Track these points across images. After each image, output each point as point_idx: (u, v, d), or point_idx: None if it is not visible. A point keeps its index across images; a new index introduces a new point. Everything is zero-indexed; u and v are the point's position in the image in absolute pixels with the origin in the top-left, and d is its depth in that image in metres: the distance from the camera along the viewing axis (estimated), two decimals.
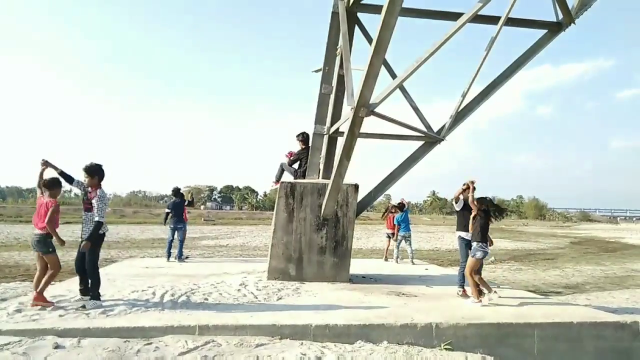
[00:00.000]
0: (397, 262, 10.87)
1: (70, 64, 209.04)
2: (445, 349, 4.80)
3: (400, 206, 11.30)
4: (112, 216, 49.42)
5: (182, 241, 10.39)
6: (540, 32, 7.88)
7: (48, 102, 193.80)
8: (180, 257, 10.21)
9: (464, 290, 6.52)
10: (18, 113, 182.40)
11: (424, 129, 8.03)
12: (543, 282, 12.05)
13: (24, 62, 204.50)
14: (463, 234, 6.69)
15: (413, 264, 10.73)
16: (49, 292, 5.65)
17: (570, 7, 7.38)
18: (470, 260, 6.22)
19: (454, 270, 11.29)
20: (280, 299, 6.14)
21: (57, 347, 4.10)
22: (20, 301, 5.56)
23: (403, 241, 10.90)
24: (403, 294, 6.74)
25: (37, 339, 4.25)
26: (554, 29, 7.72)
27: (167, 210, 10.57)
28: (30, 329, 4.45)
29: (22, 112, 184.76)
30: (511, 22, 7.62)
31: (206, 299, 5.95)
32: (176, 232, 10.30)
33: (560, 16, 7.58)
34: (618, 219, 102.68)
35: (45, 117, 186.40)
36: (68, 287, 6.44)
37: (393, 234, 11.29)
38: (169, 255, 10.21)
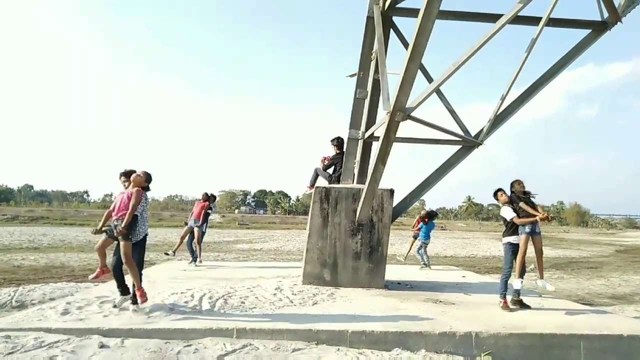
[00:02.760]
0: (427, 266, 10.96)
1: (124, 65, 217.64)
2: (486, 359, 4.67)
3: (433, 214, 11.67)
4: (150, 220, 50.76)
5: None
6: (584, 32, 7.61)
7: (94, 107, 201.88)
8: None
9: (505, 301, 6.27)
10: (63, 116, 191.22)
11: (462, 133, 7.89)
12: (587, 292, 11.53)
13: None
14: (513, 239, 6.37)
15: (428, 267, 10.96)
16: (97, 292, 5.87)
17: (616, 5, 7.09)
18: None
19: (492, 278, 11.02)
20: (316, 304, 6.14)
21: (102, 346, 4.26)
22: (68, 301, 5.81)
23: (423, 247, 11.13)
24: (440, 301, 6.61)
25: (83, 338, 4.43)
26: (598, 28, 7.43)
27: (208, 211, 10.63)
28: (77, 328, 4.64)
29: (67, 115, 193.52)
30: (553, 22, 7.40)
31: (243, 303, 6.02)
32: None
33: (606, 14, 7.28)
34: None
35: (88, 122, 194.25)
36: (111, 289, 6.66)
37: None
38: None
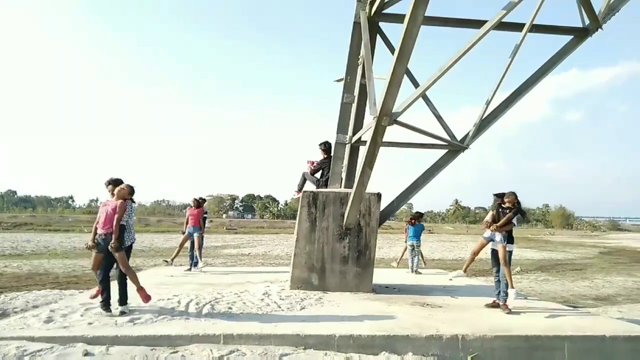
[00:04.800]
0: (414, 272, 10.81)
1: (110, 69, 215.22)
2: None
3: (417, 216, 11.57)
4: (137, 225, 50.22)
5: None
6: (566, 38, 7.75)
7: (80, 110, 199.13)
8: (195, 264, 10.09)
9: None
10: (47, 119, 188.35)
11: (448, 137, 7.97)
12: (572, 294, 11.71)
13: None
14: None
15: (417, 273, 10.71)
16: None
17: (597, 12, 7.25)
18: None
19: (479, 281, 11.11)
20: (304, 308, 6.14)
21: (86, 354, 4.20)
22: (52, 308, 5.71)
23: (413, 249, 11.00)
24: (427, 304, 6.65)
25: (67, 346, 4.36)
26: (580, 34, 7.58)
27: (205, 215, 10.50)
28: (61, 336, 4.56)
29: (52, 118, 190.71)
30: (536, 28, 7.52)
31: (230, 308, 5.99)
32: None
33: (587, 21, 7.44)
34: None
35: (73, 126, 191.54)
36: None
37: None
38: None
